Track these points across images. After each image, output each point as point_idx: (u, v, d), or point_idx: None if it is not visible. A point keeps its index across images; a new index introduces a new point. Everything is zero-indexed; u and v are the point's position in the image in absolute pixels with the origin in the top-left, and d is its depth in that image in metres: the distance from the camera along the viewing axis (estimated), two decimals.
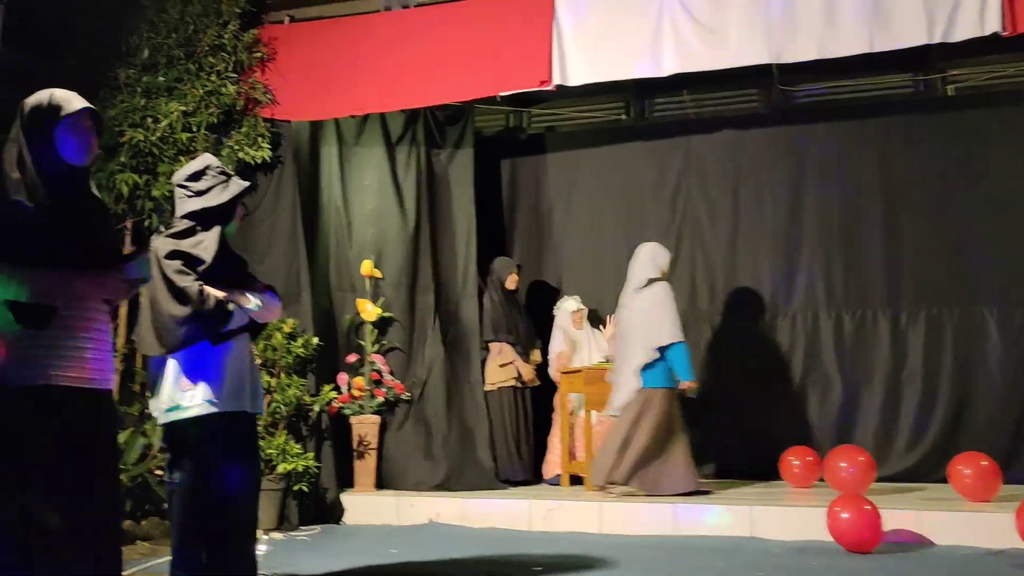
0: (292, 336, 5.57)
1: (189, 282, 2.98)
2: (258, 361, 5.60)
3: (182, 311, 2.96)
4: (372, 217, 6.50)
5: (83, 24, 4.93)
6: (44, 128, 2.62)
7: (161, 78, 5.10)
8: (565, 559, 4.18)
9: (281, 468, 5.19)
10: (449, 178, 6.78)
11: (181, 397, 3.02)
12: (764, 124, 7.09)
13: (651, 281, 5.68)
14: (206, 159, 3.29)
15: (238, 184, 3.27)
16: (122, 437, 4.78)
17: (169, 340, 2.99)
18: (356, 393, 5.97)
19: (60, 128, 2.62)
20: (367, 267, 6.21)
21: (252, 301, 3.13)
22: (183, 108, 5.06)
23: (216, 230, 3.17)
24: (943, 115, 6.74)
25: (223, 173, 3.25)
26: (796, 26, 5.07)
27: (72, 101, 2.64)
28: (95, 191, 2.80)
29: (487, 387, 6.47)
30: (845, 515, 4.32)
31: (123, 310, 5.28)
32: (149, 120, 5.02)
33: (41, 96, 2.67)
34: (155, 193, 5.04)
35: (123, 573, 3.79)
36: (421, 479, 6.01)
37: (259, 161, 5.59)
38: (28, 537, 2.44)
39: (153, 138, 4.95)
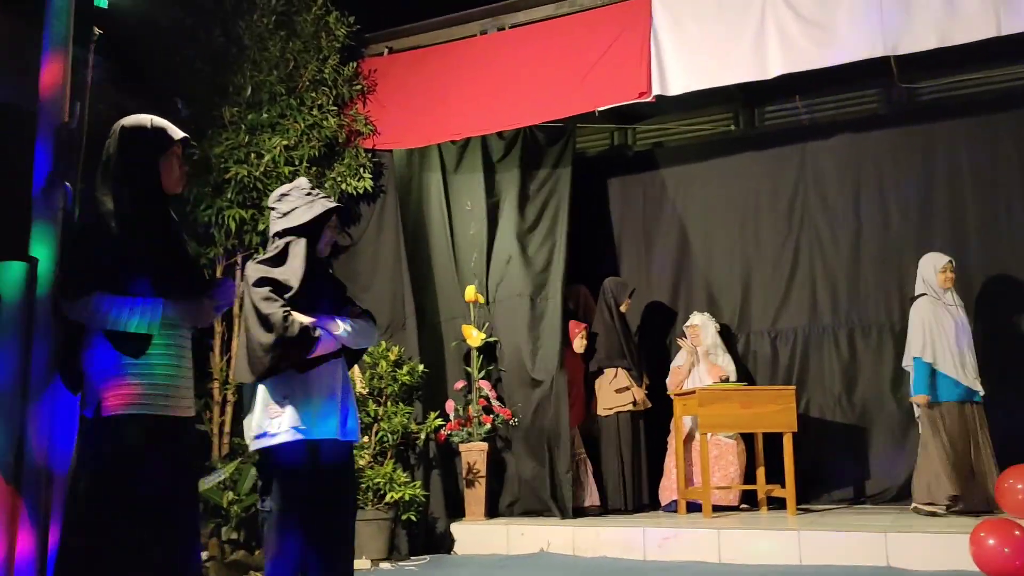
0: (398, 364, 5.57)
1: (275, 308, 2.95)
2: (364, 389, 5.62)
3: (268, 338, 2.94)
4: (475, 242, 6.45)
5: (188, 65, 5.11)
6: (149, 157, 2.60)
7: (264, 115, 5.22)
8: None
9: (389, 497, 5.15)
10: (550, 199, 6.65)
11: (268, 424, 2.99)
12: (885, 125, 6.68)
13: (915, 297, 5.63)
14: (296, 181, 3.29)
15: (323, 204, 3.20)
16: (231, 467, 4.85)
17: (257, 367, 2.97)
18: (471, 415, 5.87)
19: (164, 157, 2.63)
20: (471, 292, 6.16)
21: (341, 327, 3.07)
22: (285, 142, 5.17)
23: (302, 253, 3.12)
24: None
25: (309, 193, 3.22)
26: (912, 13, 4.71)
27: (171, 129, 2.65)
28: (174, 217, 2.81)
29: (602, 412, 6.29)
30: (991, 541, 3.90)
31: (235, 341, 5.40)
32: (253, 156, 5.14)
33: (141, 121, 2.64)
34: (261, 227, 5.15)
35: None
36: (531, 507, 5.86)
37: (361, 191, 5.65)
38: (124, 567, 2.44)
39: (257, 173, 5.06)
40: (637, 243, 7.29)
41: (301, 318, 2.99)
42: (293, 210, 3.15)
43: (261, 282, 3.02)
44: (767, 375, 6.66)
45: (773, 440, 5.80)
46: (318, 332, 2.99)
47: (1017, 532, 3.88)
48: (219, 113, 5.17)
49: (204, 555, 4.97)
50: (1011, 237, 6.19)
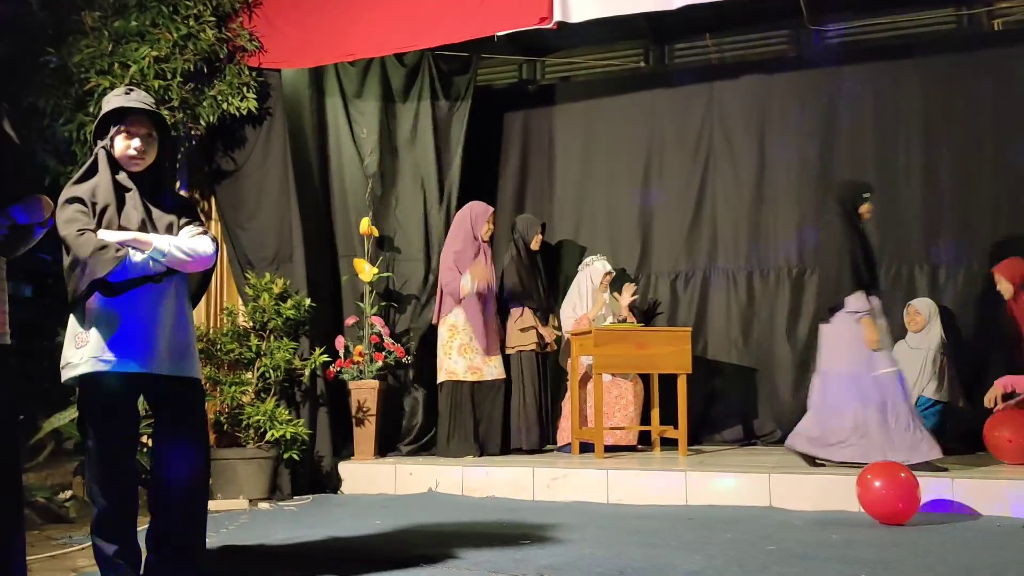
0: (282, 297, 5.29)
1: (70, 229, 2.64)
2: (247, 323, 5.34)
3: (65, 261, 2.65)
4: (372, 172, 6.16)
5: None
6: None
7: (133, 22, 4.77)
8: (559, 529, 3.84)
9: (269, 435, 4.92)
10: (453, 131, 6.41)
11: (73, 354, 2.70)
12: (792, 67, 6.62)
13: None
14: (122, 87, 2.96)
15: (115, 103, 2.80)
16: None
17: (69, 294, 2.67)
18: (356, 358, 5.67)
19: None
20: (365, 225, 5.89)
21: (154, 246, 2.71)
22: (155, 54, 4.74)
23: (104, 163, 2.77)
24: (991, 52, 6.19)
25: (123, 96, 2.84)
26: None
27: None
28: (7, 129, 2.46)
29: (507, 351, 6.13)
30: (877, 484, 3.90)
31: None
32: (118, 67, 4.71)
33: None
34: None
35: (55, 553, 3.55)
36: (423, 447, 5.72)
37: (245, 112, 5.27)
38: None
39: (121, 85, 4.64)
40: (541, 179, 7.11)
41: (105, 236, 2.66)
42: (99, 116, 2.83)
43: (68, 202, 2.70)
44: (666, 317, 6.61)
45: (671, 381, 5.76)
46: (122, 251, 2.64)
47: (903, 475, 3.89)
48: (79, 18, 4.71)
49: (67, 494, 4.69)
50: (907, 186, 6.24)
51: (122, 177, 2.80)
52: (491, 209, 6.09)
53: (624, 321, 6.00)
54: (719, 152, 6.67)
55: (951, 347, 5.68)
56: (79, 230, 2.63)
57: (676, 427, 5.66)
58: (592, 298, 6.20)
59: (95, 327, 2.67)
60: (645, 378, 6.04)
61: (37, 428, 4.43)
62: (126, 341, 2.68)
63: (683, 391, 5.60)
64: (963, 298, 6.02)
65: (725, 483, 4.62)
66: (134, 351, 2.68)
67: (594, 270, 6.28)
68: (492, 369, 5.81)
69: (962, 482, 4.24)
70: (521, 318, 6.11)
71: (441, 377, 5.80)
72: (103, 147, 2.80)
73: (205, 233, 2.86)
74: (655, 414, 5.90)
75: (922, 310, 5.70)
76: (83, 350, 2.66)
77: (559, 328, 6.29)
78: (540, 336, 6.11)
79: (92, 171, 2.79)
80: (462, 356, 5.75)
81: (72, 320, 2.73)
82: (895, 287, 6.14)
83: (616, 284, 6.39)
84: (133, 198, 2.78)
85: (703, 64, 6.93)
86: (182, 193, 5.28)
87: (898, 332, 5.81)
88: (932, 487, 4.20)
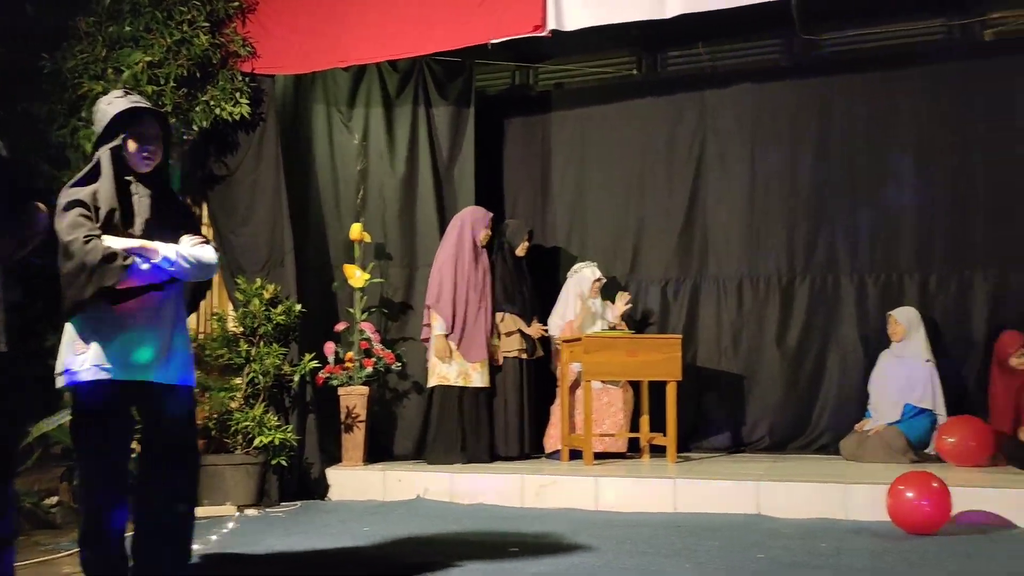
0: (273, 302, 5.28)
1: (76, 234, 2.61)
2: (237, 328, 5.33)
3: (68, 267, 2.61)
4: (364, 178, 6.17)
5: None
6: None
7: (127, 27, 4.78)
8: (549, 537, 3.85)
9: (258, 441, 4.91)
10: (448, 137, 6.43)
11: (72, 361, 2.69)
12: (784, 77, 6.64)
13: None
14: (117, 90, 2.95)
15: (121, 105, 2.77)
16: None
17: (65, 302, 2.64)
18: (346, 364, 5.67)
19: None
20: (356, 231, 5.89)
21: (162, 254, 2.69)
22: (149, 59, 4.74)
23: (108, 167, 2.74)
24: (981, 62, 6.21)
25: (122, 97, 2.83)
26: None
27: None
28: None
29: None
30: (910, 494, 3.86)
31: None
32: (111, 72, 4.71)
33: None
34: None
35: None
36: (410, 454, 5.72)
37: (238, 117, 5.27)
38: None
39: (115, 88, 4.63)
40: (533, 186, 7.11)
41: (111, 243, 2.65)
42: (102, 118, 2.82)
43: (68, 206, 2.67)
44: (657, 324, 6.63)
45: (661, 388, 5.77)
46: (129, 259, 2.63)
47: (935, 484, 3.87)
48: (73, 23, 4.71)
49: (54, 500, 4.68)
50: (899, 194, 6.26)
51: (129, 179, 2.79)
52: (490, 214, 6.06)
53: (614, 328, 6.00)
54: (711, 160, 6.68)
55: (940, 356, 5.74)
56: (86, 237, 2.61)
57: (665, 434, 5.66)
58: (578, 305, 6.18)
59: (95, 334, 2.67)
60: (635, 385, 6.05)
61: (25, 433, 4.42)
62: (127, 349, 2.68)
63: (672, 398, 5.60)
64: (954, 307, 6.04)
65: (714, 490, 4.64)
66: (134, 359, 2.68)
67: (583, 277, 6.27)
68: (479, 376, 5.80)
69: (1001, 492, 4.23)
70: (503, 323, 6.10)
71: (432, 381, 5.79)
72: (110, 149, 2.78)
73: (206, 242, 2.87)
74: (644, 421, 5.90)
75: (902, 320, 5.75)
76: (83, 357, 2.66)
77: (546, 329, 6.25)
78: (526, 339, 6.09)
79: (94, 174, 2.77)
80: (456, 360, 5.75)
81: (69, 327, 2.72)
82: (884, 296, 6.16)
83: (609, 292, 6.39)
84: (139, 203, 2.77)
85: (696, 72, 6.95)
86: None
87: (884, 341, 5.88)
88: (969, 498, 4.15)
